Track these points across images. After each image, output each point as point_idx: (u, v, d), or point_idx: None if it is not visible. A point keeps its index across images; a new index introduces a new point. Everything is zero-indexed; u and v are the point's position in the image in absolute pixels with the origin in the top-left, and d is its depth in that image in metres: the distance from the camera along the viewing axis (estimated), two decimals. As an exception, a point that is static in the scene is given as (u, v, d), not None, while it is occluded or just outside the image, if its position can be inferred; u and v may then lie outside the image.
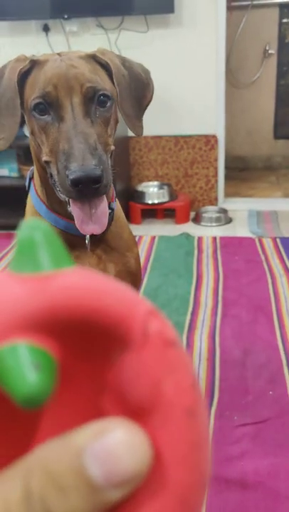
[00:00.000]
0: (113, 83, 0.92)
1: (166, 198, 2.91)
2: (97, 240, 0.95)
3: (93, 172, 0.78)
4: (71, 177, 0.78)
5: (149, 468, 0.16)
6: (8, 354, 0.16)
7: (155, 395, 0.17)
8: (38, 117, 0.85)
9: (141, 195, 2.91)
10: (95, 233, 0.84)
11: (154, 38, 2.84)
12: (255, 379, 1.47)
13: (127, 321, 0.17)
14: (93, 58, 0.90)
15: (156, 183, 3.02)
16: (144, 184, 3.01)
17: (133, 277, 1.02)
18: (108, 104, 0.87)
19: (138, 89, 0.97)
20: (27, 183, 1.01)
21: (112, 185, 0.96)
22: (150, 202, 2.90)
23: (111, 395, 0.17)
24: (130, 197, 2.94)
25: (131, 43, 2.84)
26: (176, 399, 0.17)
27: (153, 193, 2.92)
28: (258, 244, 2.51)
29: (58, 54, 0.90)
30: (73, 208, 0.84)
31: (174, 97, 2.93)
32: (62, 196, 0.86)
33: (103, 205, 0.84)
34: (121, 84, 0.93)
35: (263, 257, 2.34)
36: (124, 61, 0.96)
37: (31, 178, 1.00)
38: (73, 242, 0.93)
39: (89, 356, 0.17)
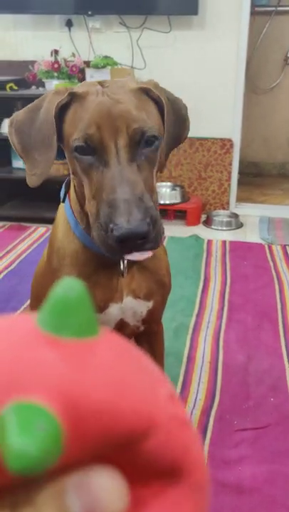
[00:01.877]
0: (162, 119, 0.85)
1: (178, 199, 2.91)
2: (132, 261, 0.90)
3: (140, 228, 0.71)
4: (116, 234, 0.72)
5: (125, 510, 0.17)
6: (17, 410, 0.16)
7: (177, 470, 0.19)
8: (80, 158, 0.78)
9: (153, 195, 2.91)
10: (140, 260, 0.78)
11: (176, 38, 2.84)
12: (257, 385, 1.47)
13: (150, 414, 0.18)
14: (144, 92, 0.82)
15: (169, 183, 3.02)
16: (157, 184, 3.01)
17: (163, 291, 0.99)
18: (155, 143, 0.79)
19: (177, 127, 0.90)
20: (62, 195, 0.95)
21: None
22: (162, 202, 2.90)
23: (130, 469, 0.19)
24: (142, 196, 2.94)
25: (153, 42, 2.84)
26: (194, 472, 0.19)
27: (165, 193, 2.93)
28: (267, 250, 2.50)
29: (101, 84, 0.81)
30: None
31: (192, 99, 2.91)
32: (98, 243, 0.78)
33: (147, 254, 0.77)
34: (168, 123, 0.86)
35: (271, 264, 2.33)
36: (167, 95, 0.88)
37: (67, 192, 0.94)
38: (106, 263, 0.89)
39: (109, 445, 0.18)
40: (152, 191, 0.79)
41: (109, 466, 0.18)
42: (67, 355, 0.18)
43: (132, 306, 0.95)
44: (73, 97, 0.80)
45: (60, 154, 0.85)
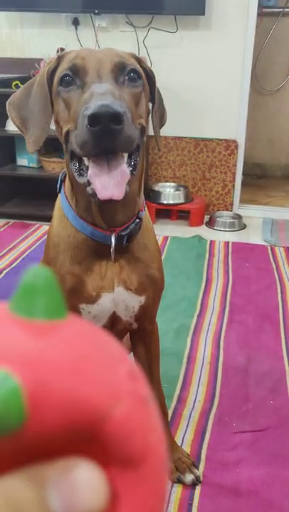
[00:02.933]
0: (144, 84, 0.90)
1: (181, 200, 2.91)
2: (123, 249, 0.92)
3: (112, 107, 0.69)
4: (88, 113, 0.70)
5: (105, 507, 0.17)
6: None
7: (142, 450, 0.19)
8: (63, 90, 0.81)
9: (157, 195, 2.91)
10: (114, 198, 0.76)
11: (182, 38, 2.84)
12: (257, 387, 1.46)
13: (110, 386, 0.19)
14: (133, 56, 0.90)
15: (173, 183, 3.02)
16: (161, 184, 3.01)
17: (155, 287, 0.99)
18: (138, 81, 0.83)
19: (160, 106, 0.98)
20: (58, 185, 0.98)
21: (142, 186, 0.93)
22: (165, 202, 2.90)
23: (93, 448, 0.19)
24: (146, 196, 2.93)
25: (159, 42, 2.84)
26: (151, 459, 0.19)
27: (169, 193, 2.92)
28: (269, 252, 2.50)
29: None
30: (91, 171, 0.77)
31: (197, 99, 2.92)
32: (82, 178, 0.80)
33: (123, 166, 0.77)
34: (156, 92, 0.93)
35: (274, 266, 2.33)
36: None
37: (63, 181, 0.97)
38: (98, 249, 0.91)
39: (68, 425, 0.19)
40: (135, 115, 0.80)
41: (78, 450, 0.18)
42: (33, 332, 0.19)
43: (123, 299, 0.95)
44: (61, 59, 0.87)
45: (62, 154, 0.87)
